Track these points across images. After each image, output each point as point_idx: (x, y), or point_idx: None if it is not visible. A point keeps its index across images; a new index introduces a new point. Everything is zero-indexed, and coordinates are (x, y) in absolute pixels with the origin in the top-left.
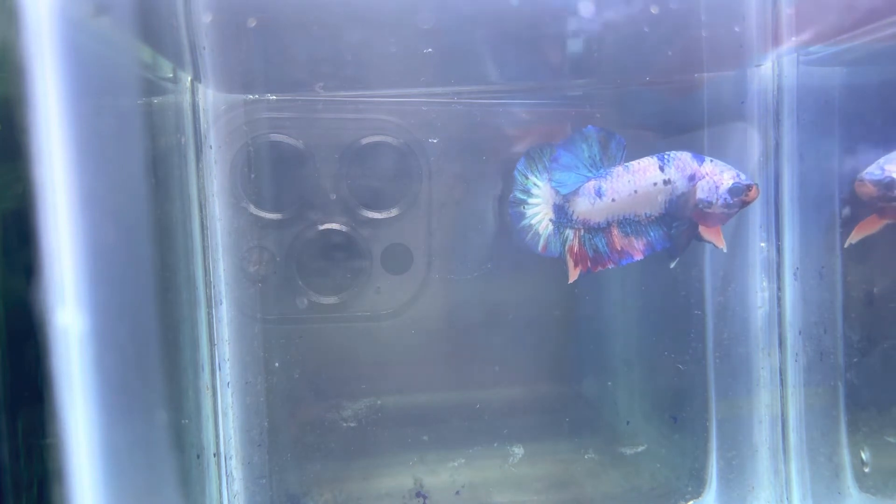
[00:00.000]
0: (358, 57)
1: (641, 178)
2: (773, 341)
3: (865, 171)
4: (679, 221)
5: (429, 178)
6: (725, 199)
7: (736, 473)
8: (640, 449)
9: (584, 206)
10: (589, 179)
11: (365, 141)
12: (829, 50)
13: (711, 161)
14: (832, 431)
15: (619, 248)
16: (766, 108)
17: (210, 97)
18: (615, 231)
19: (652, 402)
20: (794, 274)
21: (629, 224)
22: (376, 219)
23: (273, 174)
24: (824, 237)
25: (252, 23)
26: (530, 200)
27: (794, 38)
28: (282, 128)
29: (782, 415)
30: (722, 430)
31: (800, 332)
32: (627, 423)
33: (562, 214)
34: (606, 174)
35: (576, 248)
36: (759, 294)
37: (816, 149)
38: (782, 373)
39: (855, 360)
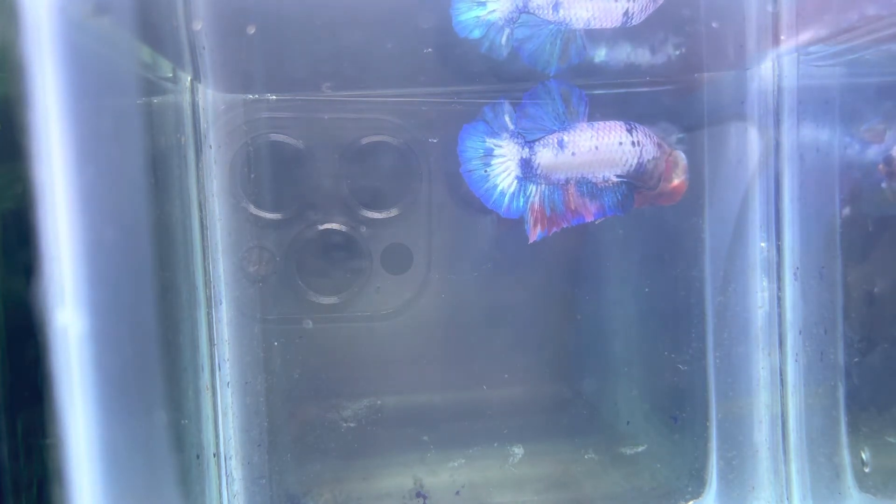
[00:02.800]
0: (358, 57)
1: (605, 136)
2: (773, 341)
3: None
4: (639, 185)
5: (429, 178)
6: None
7: (736, 473)
8: (640, 449)
9: (547, 159)
10: (553, 131)
11: (365, 141)
12: (829, 50)
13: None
14: (832, 431)
15: (573, 208)
16: (766, 108)
17: (210, 97)
18: (572, 189)
19: (652, 402)
20: (794, 274)
21: (586, 184)
22: (376, 219)
23: (273, 174)
24: (824, 237)
25: (251, 29)
26: (494, 161)
27: (794, 38)
28: (282, 128)
29: (782, 415)
30: (722, 430)
31: (800, 332)
32: (627, 423)
33: (528, 168)
34: (570, 127)
35: (536, 206)
36: (759, 294)
37: (816, 149)
38: (782, 373)
39: (855, 360)
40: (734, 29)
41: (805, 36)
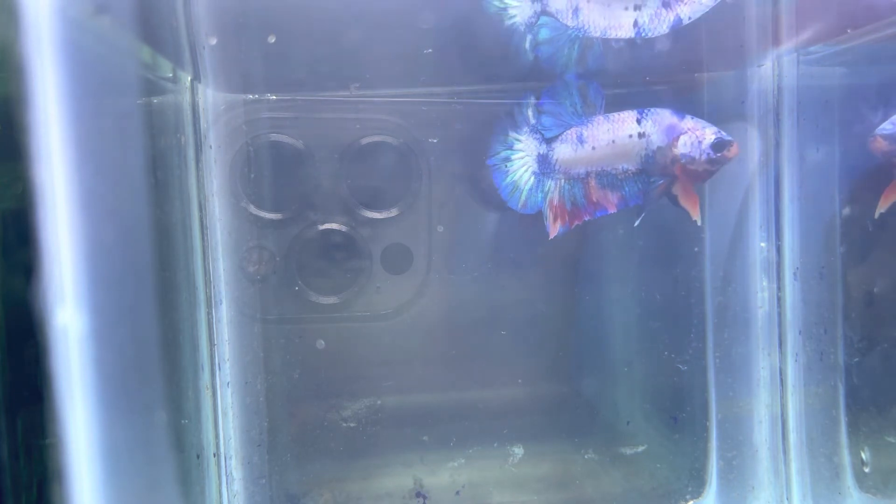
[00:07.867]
0: (358, 57)
1: (619, 129)
2: (773, 341)
3: (878, 128)
4: (656, 178)
5: (429, 178)
6: (709, 154)
7: (736, 473)
8: (640, 449)
9: (566, 154)
10: (571, 126)
11: (365, 141)
12: (829, 50)
13: (692, 118)
14: (832, 431)
15: (595, 200)
16: (766, 108)
17: (210, 97)
18: (592, 182)
19: (652, 402)
20: (794, 274)
21: (606, 177)
22: (376, 219)
23: (273, 174)
24: (824, 237)
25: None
26: (513, 156)
27: (794, 38)
28: (282, 128)
29: (782, 415)
30: (722, 430)
31: (800, 332)
32: (627, 423)
33: (545, 164)
34: (588, 122)
35: (555, 202)
36: (759, 294)
37: (816, 149)
38: (782, 373)
39: (855, 360)
40: (734, 29)
41: (805, 36)
